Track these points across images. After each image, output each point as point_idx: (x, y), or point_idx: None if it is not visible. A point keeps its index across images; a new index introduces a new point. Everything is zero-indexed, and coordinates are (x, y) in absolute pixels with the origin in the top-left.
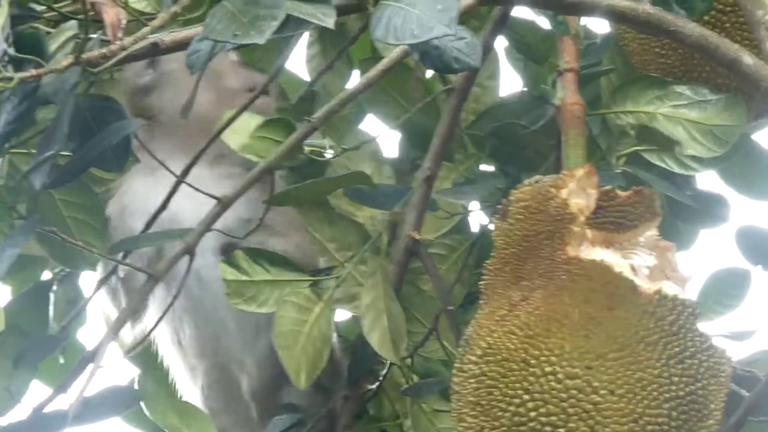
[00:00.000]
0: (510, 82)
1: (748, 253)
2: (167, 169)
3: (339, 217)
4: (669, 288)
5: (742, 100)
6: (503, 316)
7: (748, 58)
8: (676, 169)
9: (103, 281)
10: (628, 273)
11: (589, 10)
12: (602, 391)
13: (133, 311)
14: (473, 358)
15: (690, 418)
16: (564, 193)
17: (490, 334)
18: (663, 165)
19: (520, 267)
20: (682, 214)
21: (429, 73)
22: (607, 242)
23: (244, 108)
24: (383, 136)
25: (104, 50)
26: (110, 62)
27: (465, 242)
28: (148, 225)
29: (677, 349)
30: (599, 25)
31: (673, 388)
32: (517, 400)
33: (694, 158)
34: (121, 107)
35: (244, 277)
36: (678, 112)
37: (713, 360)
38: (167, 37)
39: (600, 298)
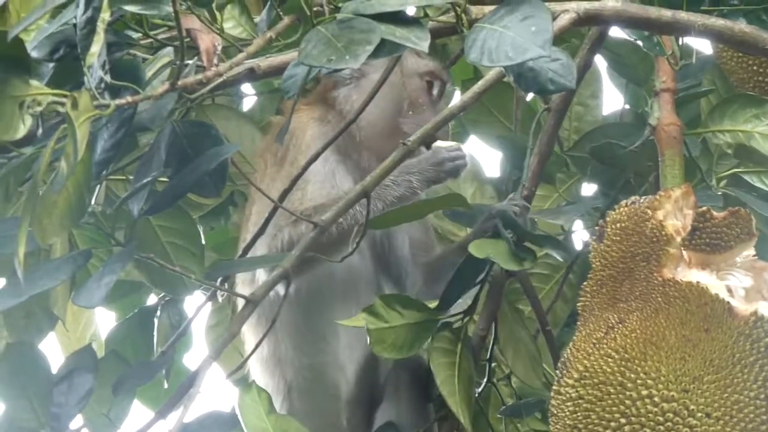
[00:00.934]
0: (613, 100)
1: None
2: (266, 196)
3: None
4: (766, 309)
5: None
6: (600, 338)
7: None
8: None
9: (202, 306)
10: (723, 294)
11: (684, 30)
12: (699, 414)
13: (233, 335)
14: (570, 381)
15: None
16: (660, 214)
17: (588, 357)
18: (763, 186)
19: (617, 288)
20: None
21: (530, 94)
22: (704, 264)
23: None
24: (486, 156)
25: (200, 76)
26: (206, 88)
27: (566, 263)
28: (246, 250)
29: (765, 374)
30: (700, 45)
31: (764, 406)
32: (614, 424)
33: None
34: (218, 132)
35: (384, 324)
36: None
37: None
38: (264, 62)
39: (696, 319)
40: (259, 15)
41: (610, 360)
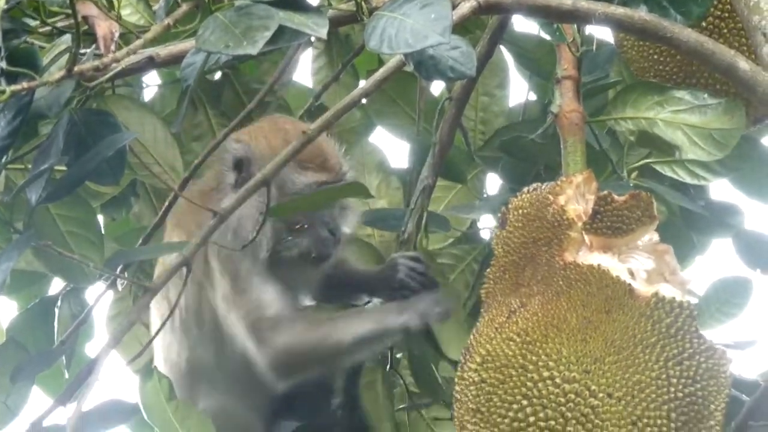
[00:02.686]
0: (520, 90)
1: (746, 257)
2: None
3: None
4: (667, 291)
5: (741, 104)
6: (502, 323)
7: (744, 64)
8: (688, 180)
9: (102, 295)
10: (624, 276)
11: (585, 18)
12: (600, 395)
13: (131, 323)
14: (473, 366)
15: (690, 419)
16: (561, 199)
17: (490, 341)
18: (674, 176)
19: (519, 274)
20: (696, 224)
21: (434, 84)
22: (605, 247)
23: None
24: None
25: (97, 63)
26: (105, 76)
27: (473, 251)
28: (146, 240)
29: (675, 351)
30: (603, 34)
31: (672, 390)
32: (515, 406)
33: (704, 167)
34: (116, 121)
35: None
36: (678, 117)
37: (712, 361)
38: (162, 50)
39: (597, 302)
40: (157, 2)
41: (512, 343)
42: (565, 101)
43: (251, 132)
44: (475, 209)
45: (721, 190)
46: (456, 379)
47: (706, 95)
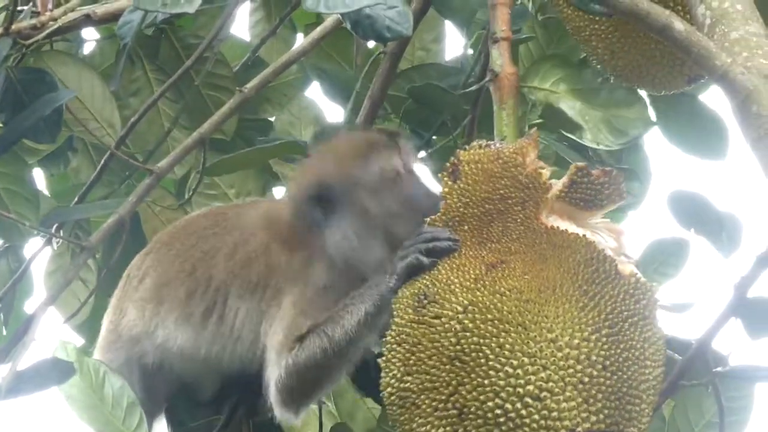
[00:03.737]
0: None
1: (680, 217)
2: None
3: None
4: (636, 270)
5: (641, 97)
6: (480, 275)
7: (679, 24)
8: (588, 144)
9: (38, 252)
10: (609, 252)
11: None
12: (598, 366)
13: (68, 282)
14: (449, 313)
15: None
16: (530, 161)
17: (470, 291)
18: (573, 137)
19: (484, 228)
20: None
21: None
22: (572, 217)
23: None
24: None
25: (34, 21)
26: (42, 34)
27: None
28: (82, 197)
29: (650, 332)
30: None
31: (648, 371)
32: (514, 362)
33: (615, 131)
34: (53, 78)
35: None
36: (573, 94)
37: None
38: (99, 8)
39: (588, 272)
40: None
41: (504, 298)
42: (505, 62)
43: (310, 170)
44: None
45: (658, 144)
46: (405, 321)
47: (609, 79)
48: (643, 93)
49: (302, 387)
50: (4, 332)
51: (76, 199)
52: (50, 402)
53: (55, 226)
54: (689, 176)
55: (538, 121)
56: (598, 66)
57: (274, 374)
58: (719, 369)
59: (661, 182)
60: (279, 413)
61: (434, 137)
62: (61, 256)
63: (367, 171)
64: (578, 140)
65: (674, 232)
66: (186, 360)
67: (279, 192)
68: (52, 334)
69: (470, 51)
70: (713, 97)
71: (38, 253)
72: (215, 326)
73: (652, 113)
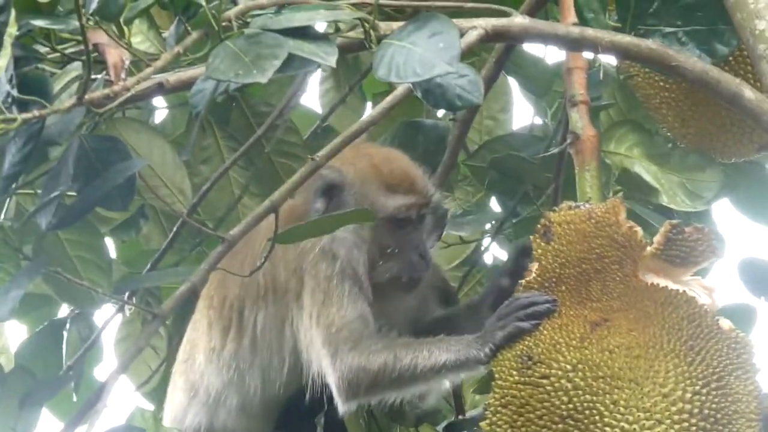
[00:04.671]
0: (524, 114)
1: (750, 285)
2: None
3: None
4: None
5: (715, 159)
6: (585, 334)
7: (749, 92)
8: (669, 205)
9: (110, 319)
10: (709, 308)
11: (591, 46)
12: (710, 419)
13: (140, 349)
14: (560, 373)
15: None
16: (623, 220)
17: (577, 349)
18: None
19: (583, 288)
20: None
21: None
22: (667, 274)
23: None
24: None
25: (107, 91)
26: (115, 103)
27: (477, 274)
28: (153, 264)
29: (752, 386)
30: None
31: (753, 423)
32: (630, 417)
33: (691, 194)
34: (125, 147)
35: None
36: (647, 158)
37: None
38: (172, 77)
39: (691, 327)
40: (168, 30)
41: (614, 355)
42: (586, 125)
43: (339, 160)
44: (465, 224)
45: (725, 214)
46: (505, 384)
47: (680, 144)
48: None
49: (359, 386)
50: (75, 399)
51: (148, 266)
52: None
53: (127, 294)
54: (756, 244)
55: (617, 188)
56: (668, 134)
57: (331, 368)
58: None
59: (729, 252)
60: (337, 401)
61: (518, 207)
62: (132, 323)
63: (384, 201)
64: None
65: (743, 298)
66: (222, 396)
67: None
68: (124, 402)
69: (548, 120)
70: None
71: (110, 320)
72: (234, 342)
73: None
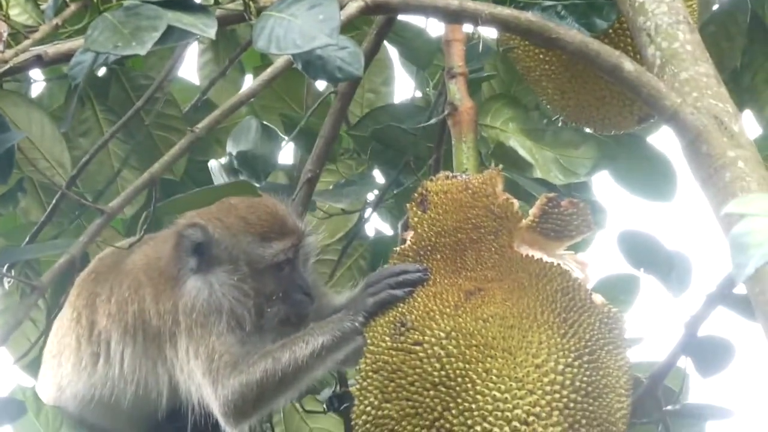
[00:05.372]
0: (405, 87)
1: (630, 257)
2: None
3: None
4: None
5: (592, 136)
6: (459, 302)
7: (629, 65)
8: (546, 177)
9: None
10: (583, 281)
11: (472, 18)
12: (582, 391)
13: (19, 322)
14: (433, 340)
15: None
16: (499, 192)
17: (451, 317)
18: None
19: (457, 257)
20: None
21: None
22: (542, 247)
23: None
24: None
25: None
26: None
27: (360, 248)
28: (32, 237)
29: (622, 361)
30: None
31: (623, 399)
32: (502, 386)
33: (565, 170)
34: (4, 119)
35: None
36: (522, 133)
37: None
38: (50, 49)
39: (565, 300)
40: (46, 2)
41: (488, 324)
42: (464, 97)
43: (202, 216)
44: (344, 196)
45: (604, 186)
46: (377, 349)
47: (555, 120)
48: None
49: (245, 404)
50: None
51: (26, 239)
52: None
53: (6, 266)
54: (637, 216)
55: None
56: (548, 106)
57: (213, 396)
58: (670, 407)
59: (609, 223)
60: (227, 428)
61: (401, 177)
62: (10, 295)
63: (261, 252)
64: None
65: (625, 269)
66: (92, 407)
67: None
68: (3, 375)
69: (429, 91)
70: (661, 139)
71: None
72: (103, 370)
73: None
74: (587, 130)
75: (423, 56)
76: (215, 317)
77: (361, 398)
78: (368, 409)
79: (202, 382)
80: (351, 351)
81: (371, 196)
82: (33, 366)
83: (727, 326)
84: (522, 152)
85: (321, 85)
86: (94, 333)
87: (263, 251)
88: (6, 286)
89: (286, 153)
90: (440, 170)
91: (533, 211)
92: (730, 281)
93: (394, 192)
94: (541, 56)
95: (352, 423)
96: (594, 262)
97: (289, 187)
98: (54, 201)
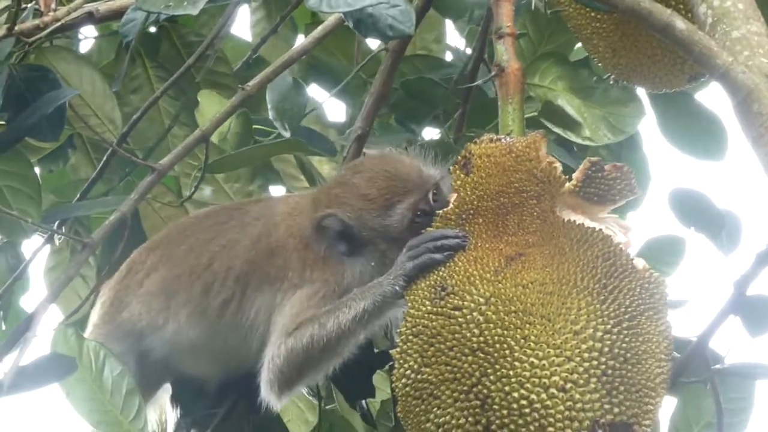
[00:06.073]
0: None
1: (681, 215)
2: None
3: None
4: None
5: (637, 95)
6: (499, 268)
7: (680, 23)
8: (574, 139)
9: (39, 249)
10: (624, 246)
11: None
12: (620, 358)
13: (70, 278)
14: (472, 305)
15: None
16: (543, 156)
17: (491, 283)
18: (562, 134)
19: (499, 221)
20: None
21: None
22: (585, 212)
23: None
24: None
25: (37, 21)
26: (44, 32)
27: None
28: (83, 194)
29: (663, 326)
30: None
31: (663, 364)
32: (540, 353)
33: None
34: (56, 76)
35: None
36: (571, 91)
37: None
38: (102, 6)
39: (606, 265)
40: None
41: (527, 290)
42: (511, 58)
43: (330, 201)
44: (370, 145)
45: (656, 144)
46: (417, 313)
47: (606, 79)
48: (642, 91)
49: (289, 371)
50: (3, 328)
51: (77, 196)
52: (47, 398)
53: (56, 223)
54: (688, 176)
55: (529, 114)
56: (599, 64)
57: (268, 355)
58: (718, 366)
59: (659, 183)
60: (264, 393)
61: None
62: (60, 252)
63: (389, 222)
64: (566, 137)
65: (673, 230)
66: (196, 354)
67: (278, 190)
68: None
69: (463, 46)
70: (712, 97)
71: (39, 249)
72: (233, 317)
73: (650, 111)
74: (637, 89)
75: (462, 13)
76: (338, 292)
77: (401, 361)
78: (408, 372)
79: (273, 340)
80: (395, 314)
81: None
82: (82, 323)
83: None
84: (570, 111)
85: (373, 43)
86: (230, 279)
87: (389, 221)
88: (57, 243)
89: (338, 111)
90: (464, 127)
91: (576, 175)
92: None
93: (417, 143)
94: (592, 14)
95: (392, 386)
96: (638, 226)
97: (331, 143)
98: (105, 158)
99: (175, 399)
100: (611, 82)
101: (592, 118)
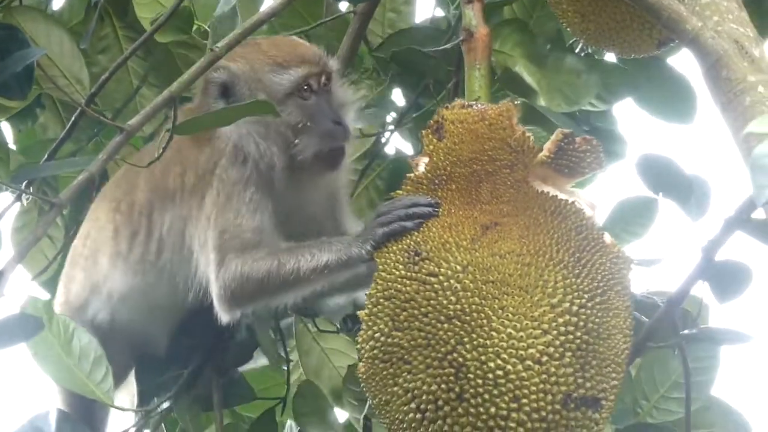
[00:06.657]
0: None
1: (649, 181)
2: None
3: None
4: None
5: (596, 66)
6: (475, 236)
7: None
8: (564, 107)
9: (7, 209)
10: (596, 220)
11: None
12: (593, 333)
13: (37, 239)
14: (449, 272)
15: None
16: (515, 124)
17: (468, 251)
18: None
19: (473, 189)
20: None
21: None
22: (554, 183)
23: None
24: None
25: None
26: None
27: (377, 167)
28: (51, 154)
29: (628, 302)
30: None
31: (627, 340)
32: (518, 324)
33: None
34: (24, 36)
35: None
36: (526, 59)
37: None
38: None
39: (578, 239)
40: None
41: (504, 260)
42: (479, 23)
43: (229, 58)
44: (364, 117)
45: (626, 110)
46: (390, 276)
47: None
48: (610, 56)
49: (241, 293)
50: None
51: (45, 156)
52: (13, 357)
53: (24, 183)
54: (658, 143)
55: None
56: (568, 29)
57: (210, 274)
58: (686, 331)
59: (629, 152)
60: (219, 310)
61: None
62: (28, 212)
63: (279, 79)
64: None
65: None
66: (132, 306)
67: None
68: (20, 291)
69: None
70: (681, 61)
71: (7, 209)
72: (143, 245)
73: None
74: (606, 55)
75: None
76: (241, 186)
77: (369, 323)
78: (377, 335)
79: (210, 255)
80: (353, 277)
81: (389, 119)
82: (50, 283)
83: (745, 251)
84: (527, 78)
85: (343, 6)
86: (134, 212)
87: (280, 79)
88: (24, 203)
89: None
90: (459, 94)
91: (548, 146)
92: (749, 206)
93: (414, 115)
94: None
95: (357, 347)
96: (602, 200)
97: None
98: (73, 118)
99: (138, 372)
100: (576, 51)
101: (548, 86)
